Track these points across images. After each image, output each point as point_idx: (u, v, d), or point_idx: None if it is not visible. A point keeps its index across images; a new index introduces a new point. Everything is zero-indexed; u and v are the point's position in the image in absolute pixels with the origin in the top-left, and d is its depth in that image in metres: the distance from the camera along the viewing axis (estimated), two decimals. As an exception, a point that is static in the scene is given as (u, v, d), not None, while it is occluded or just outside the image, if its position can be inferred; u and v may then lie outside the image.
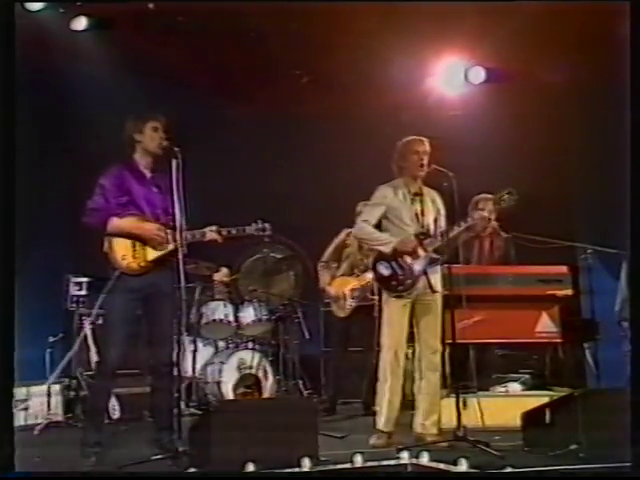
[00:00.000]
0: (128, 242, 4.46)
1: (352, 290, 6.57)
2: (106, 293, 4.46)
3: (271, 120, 8.13)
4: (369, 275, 6.52)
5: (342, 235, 6.77)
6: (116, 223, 4.43)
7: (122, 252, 4.44)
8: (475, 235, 6.23)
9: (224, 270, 7.24)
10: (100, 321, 6.34)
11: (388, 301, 5.07)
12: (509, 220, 6.05)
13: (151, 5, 6.92)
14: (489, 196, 5.85)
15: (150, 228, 4.47)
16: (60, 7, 7.05)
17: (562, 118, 7.79)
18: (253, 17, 7.01)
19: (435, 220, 5.12)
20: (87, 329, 6.46)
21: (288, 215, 7.64)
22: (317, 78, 8.08)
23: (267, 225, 4.68)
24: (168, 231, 4.46)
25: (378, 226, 5.13)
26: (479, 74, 8.07)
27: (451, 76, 8.19)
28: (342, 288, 6.62)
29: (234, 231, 4.62)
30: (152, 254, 4.48)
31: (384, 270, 5.05)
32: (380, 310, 5.23)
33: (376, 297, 6.47)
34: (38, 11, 6.83)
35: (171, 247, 4.45)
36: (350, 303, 6.54)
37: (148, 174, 4.62)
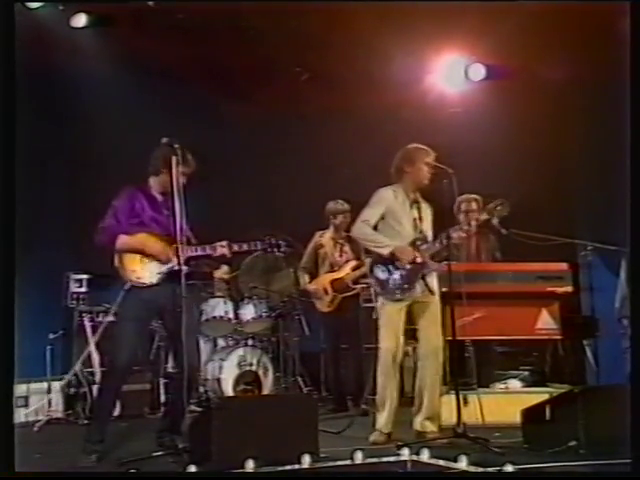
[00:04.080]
0: (137, 256, 4.53)
1: (332, 282, 6.61)
2: (118, 306, 4.53)
3: (270, 117, 8.13)
4: (348, 267, 6.59)
5: (316, 237, 6.82)
6: (124, 240, 4.50)
7: (132, 266, 4.51)
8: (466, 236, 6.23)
9: (224, 267, 7.23)
10: (100, 318, 6.38)
11: (384, 305, 5.07)
12: (509, 217, 6.04)
13: (151, 3, 6.92)
14: (472, 196, 5.94)
15: (155, 246, 4.52)
16: (60, 4, 7.04)
17: (562, 115, 7.78)
18: (253, 14, 7.00)
19: (431, 226, 5.17)
20: (87, 326, 6.48)
21: (288, 212, 7.66)
22: (317, 75, 8.07)
23: (281, 242, 4.71)
24: (177, 245, 4.47)
25: (375, 227, 5.14)
26: (479, 71, 8.05)
27: (451, 73, 8.18)
28: (322, 283, 6.66)
29: (245, 246, 4.68)
30: (160, 268, 4.53)
31: (381, 274, 5.06)
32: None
33: (358, 287, 6.56)
34: (38, 8, 6.83)
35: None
36: (332, 296, 6.56)
37: (159, 198, 4.68)
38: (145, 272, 4.51)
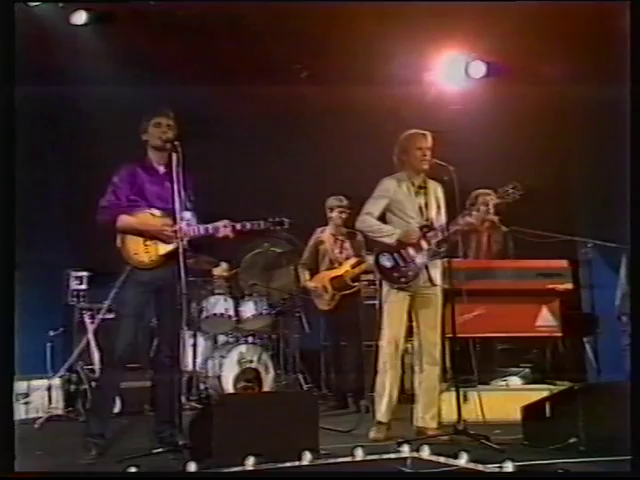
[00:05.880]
0: (140, 238, 4.49)
1: (332, 280, 6.62)
2: (119, 288, 4.48)
3: (270, 114, 8.12)
4: (348, 264, 6.60)
5: (316, 234, 6.84)
6: (125, 220, 4.45)
7: (134, 248, 4.47)
8: (473, 229, 6.21)
9: (224, 264, 7.24)
10: (101, 315, 6.38)
11: (388, 294, 5.06)
12: (509, 214, 6.04)
13: (152, 2, 6.92)
14: (488, 191, 5.88)
15: (157, 226, 4.47)
16: (60, 2, 7.05)
17: (562, 112, 7.79)
18: (253, 12, 7.00)
19: (437, 213, 5.14)
20: (88, 323, 6.48)
21: (288, 209, 7.63)
22: (317, 72, 8.06)
23: (286, 219, 4.64)
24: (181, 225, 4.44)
25: (382, 219, 5.13)
26: (480, 68, 8.06)
27: (452, 70, 8.18)
28: (322, 281, 6.67)
29: (248, 225, 4.58)
30: (163, 249, 4.50)
31: (386, 262, 5.04)
32: (380, 305, 5.25)
33: (358, 284, 6.57)
34: (38, 6, 6.83)
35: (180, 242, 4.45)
36: (332, 294, 6.57)
37: (161, 169, 4.62)
38: (147, 255, 4.47)
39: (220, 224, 4.53)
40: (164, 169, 4.60)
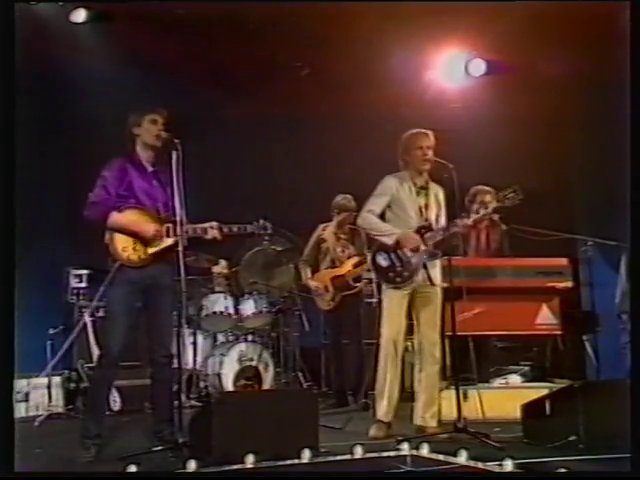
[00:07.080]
0: (129, 237, 4.47)
1: (333, 279, 6.60)
2: (106, 285, 4.47)
3: (270, 113, 8.12)
4: (350, 264, 6.58)
5: (318, 230, 6.81)
6: (115, 218, 4.43)
7: (122, 244, 4.44)
8: (472, 227, 6.21)
9: (223, 262, 7.24)
10: (100, 313, 6.39)
11: (387, 292, 5.07)
12: (509, 212, 6.04)
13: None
14: (487, 188, 5.89)
15: (147, 228, 4.46)
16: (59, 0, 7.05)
17: (562, 110, 7.78)
18: (253, 10, 6.99)
19: (437, 215, 5.14)
20: (87, 321, 6.48)
21: (288, 208, 7.66)
22: (317, 71, 8.06)
23: (268, 224, 4.67)
24: (169, 225, 4.45)
25: (382, 216, 5.13)
26: (479, 66, 8.06)
27: (451, 68, 8.19)
28: (323, 280, 6.66)
29: (235, 228, 4.61)
30: (152, 247, 4.49)
31: (382, 261, 5.05)
32: (379, 303, 5.26)
33: (359, 284, 6.56)
34: (37, 3, 6.82)
35: (170, 241, 4.45)
36: (333, 294, 6.56)
37: (149, 168, 4.62)
38: (136, 253, 4.44)
39: (207, 226, 4.55)
40: (152, 167, 4.62)
